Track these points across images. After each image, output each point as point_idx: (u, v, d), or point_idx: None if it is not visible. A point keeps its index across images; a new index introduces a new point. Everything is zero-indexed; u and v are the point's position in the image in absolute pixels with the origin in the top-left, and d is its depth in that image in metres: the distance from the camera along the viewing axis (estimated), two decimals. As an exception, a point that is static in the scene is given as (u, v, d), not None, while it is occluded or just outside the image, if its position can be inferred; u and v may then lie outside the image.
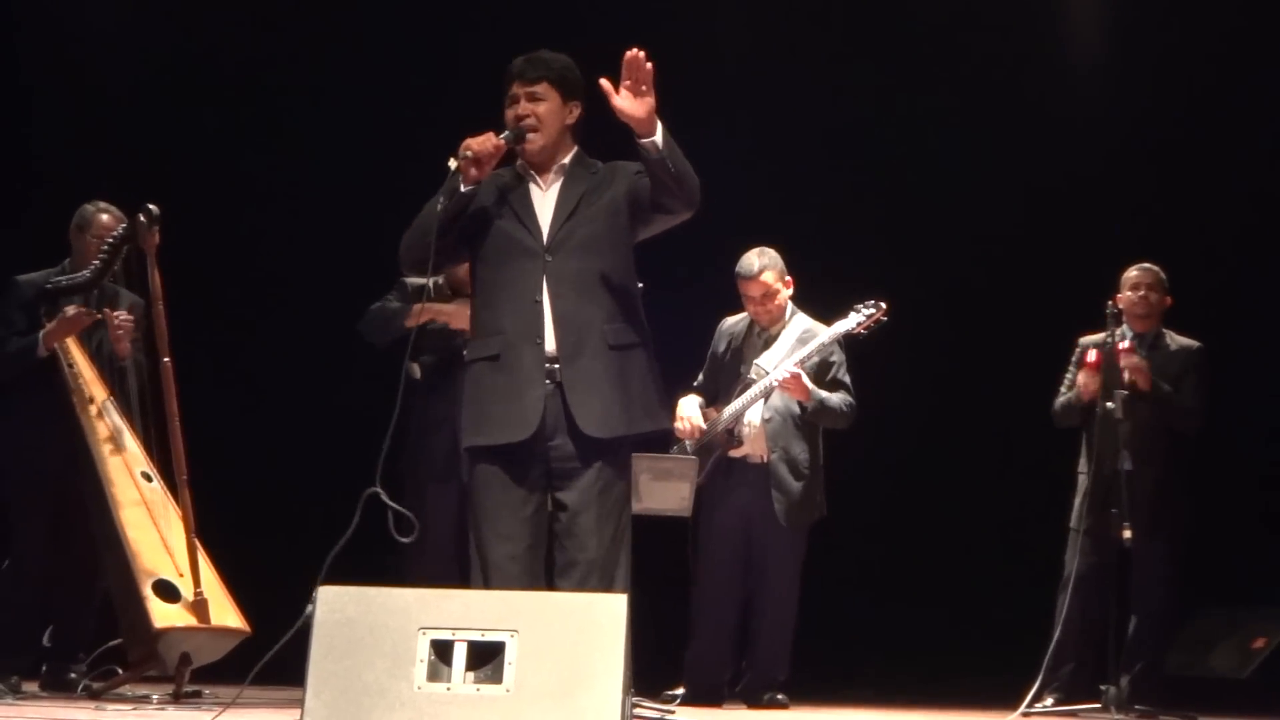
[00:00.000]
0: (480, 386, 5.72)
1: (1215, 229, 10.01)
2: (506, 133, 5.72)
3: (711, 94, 10.60)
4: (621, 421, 5.66)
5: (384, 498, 5.44)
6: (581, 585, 5.56)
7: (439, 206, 5.63)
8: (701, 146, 10.27)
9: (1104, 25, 10.55)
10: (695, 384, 8.27)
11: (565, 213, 5.74)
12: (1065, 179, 10.37)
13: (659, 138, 5.61)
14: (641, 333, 5.78)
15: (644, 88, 5.60)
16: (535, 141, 5.76)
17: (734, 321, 8.29)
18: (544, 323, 5.64)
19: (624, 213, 5.77)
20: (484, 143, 5.64)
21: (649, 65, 5.59)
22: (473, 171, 5.64)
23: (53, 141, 10.35)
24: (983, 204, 10.39)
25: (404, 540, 5.57)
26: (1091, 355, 8.11)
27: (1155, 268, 8.36)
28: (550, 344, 5.63)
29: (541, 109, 5.76)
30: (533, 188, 5.80)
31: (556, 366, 5.62)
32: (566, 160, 5.82)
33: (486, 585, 5.58)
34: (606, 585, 5.56)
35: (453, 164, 5.63)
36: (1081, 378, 8.16)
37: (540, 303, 5.64)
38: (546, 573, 5.76)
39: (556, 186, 5.80)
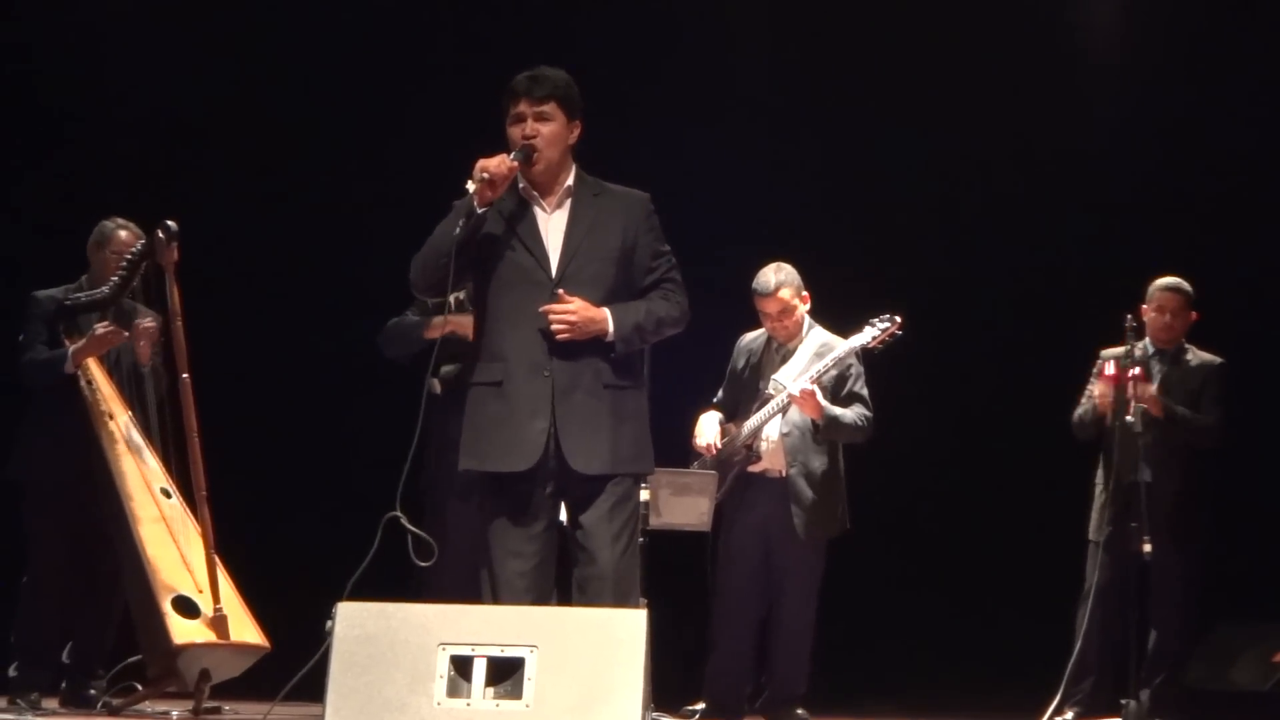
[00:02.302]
0: (481, 411, 5.72)
1: (1241, 240, 9.97)
2: (515, 152, 5.70)
3: (728, 110, 10.61)
4: (608, 461, 5.66)
5: (404, 521, 5.44)
6: (597, 599, 5.56)
7: (457, 229, 5.63)
8: (719, 162, 10.40)
9: (1126, 34, 10.53)
10: (715, 400, 8.27)
11: (575, 243, 5.73)
12: (1087, 190, 10.35)
13: (612, 338, 5.67)
14: (638, 375, 5.82)
15: (564, 328, 5.63)
16: (540, 161, 5.73)
17: (752, 338, 8.28)
18: (549, 353, 5.65)
19: (632, 267, 5.79)
20: (500, 164, 5.63)
21: (556, 316, 5.63)
22: (488, 193, 5.63)
23: (70, 155, 10.36)
24: (1003, 216, 10.37)
25: (423, 565, 5.57)
26: (1110, 368, 8.10)
27: (1181, 285, 8.32)
28: (554, 375, 5.64)
29: (548, 129, 5.72)
30: (538, 211, 5.78)
31: (555, 398, 5.63)
32: (570, 181, 5.81)
33: (496, 601, 5.59)
34: (621, 599, 5.57)
35: (470, 186, 5.63)
36: (1099, 388, 8.15)
37: (548, 332, 5.65)
38: (562, 587, 5.76)
39: (562, 211, 5.78)
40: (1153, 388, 8.09)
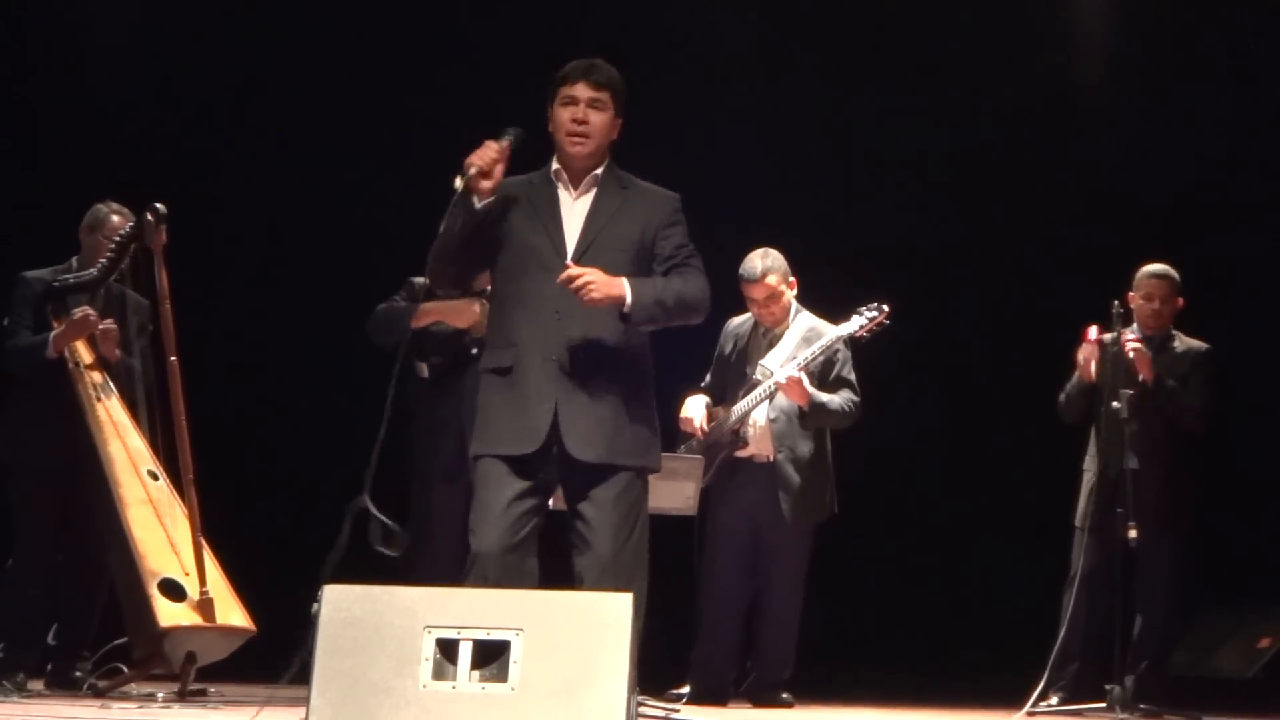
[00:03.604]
0: (491, 397, 5.71)
1: (1228, 227, 9.99)
2: (508, 134, 5.68)
3: (718, 94, 10.62)
4: (606, 451, 5.65)
5: (372, 509, 5.41)
6: (597, 587, 5.55)
7: (457, 226, 5.60)
8: (708, 147, 10.40)
9: (1115, 23, 10.54)
10: (702, 385, 8.28)
11: (594, 231, 5.72)
12: (1075, 177, 10.37)
13: (630, 308, 5.62)
14: (644, 368, 5.80)
15: (585, 296, 5.57)
16: (586, 146, 5.72)
17: (739, 322, 8.29)
18: (560, 339, 5.64)
19: (648, 262, 5.77)
20: (484, 155, 5.59)
21: (574, 284, 5.56)
22: (484, 184, 5.60)
23: (61, 136, 10.35)
24: (991, 202, 10.39)
25: (390, 554, 5.55)
26: (1093, 332, 8.10)
27: (1169, 273, 8.32)
28: (562, 361, 5.63)
29: (598, 119, 5.72)
30: (562, 195, 5.77)
31: (562, 384, 5.63)
32: (599, 170, 5.80)
33: (469, 574, 5.60)
34: (624, 588, 5.55)
35: (458, 183, 5.59)
36: (1082, 353, 8.13)
37: (560, 317, 5.64)
38: (567, 576, 5.76)
39: (587, 199, 5.77)
40: (1145, 352, 8.08)
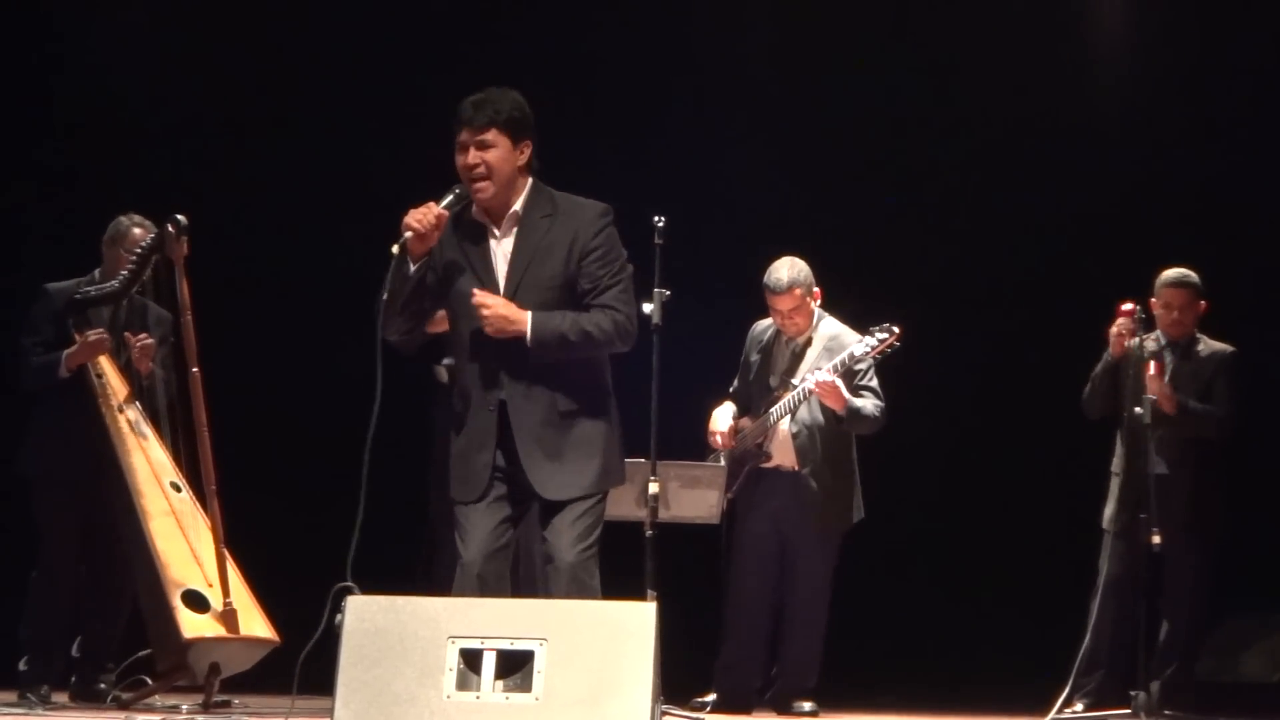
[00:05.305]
0: (447, 440, 5.83)
1: (1251, 225, 9.95)
2: (449, 198, 5.67)
3: (738, 102, 10.61)
4: (577, 487, 5.67)
5: (356, 592, 5.38)
6: (552, 591, 5.60)
7: (395, 289, 5.64)
8: (729, 154, 10.39)
9: (1136, 25, 10.52)
10: (730, 390, 8.27)
11: (518, 273, 5.69)
12: (1097, 180, 10.34)
13: (529, 340, 5.59)
14: (598, 393, 5.77)
15: (482, 320, 5.60)
16: (487, 190, 5.69)
17: (763, 327, 8.27)
18: (499, 389, 5.65)
19: (574, 289, 5.72)
20: (424, 217, 5.60)
21: (479, 303, 5.60)
22: (419, 247, 5.62)
23: (84, 149, 10.37)
24: (1015, 204, 10.37)
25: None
26: (1127, 306, 8.02)
27: (1188, 279, 8.24)
28: (500, 410, 5.65)
29: (491, 156, 5.68)
30: (490, 239, 5.75)
31: (502, 432, 5.65)
32: (519, 205, 5.74)
33: (456, 584, 5.64)
34: (579, 592, 5.58)
35: (395, 248, 5.60)
36: (1115, 326, 8.04)
37: (495, 366, 5.65)
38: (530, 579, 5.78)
39: (511, 238, 5.73)
40: (1166, 384, 8.04)
